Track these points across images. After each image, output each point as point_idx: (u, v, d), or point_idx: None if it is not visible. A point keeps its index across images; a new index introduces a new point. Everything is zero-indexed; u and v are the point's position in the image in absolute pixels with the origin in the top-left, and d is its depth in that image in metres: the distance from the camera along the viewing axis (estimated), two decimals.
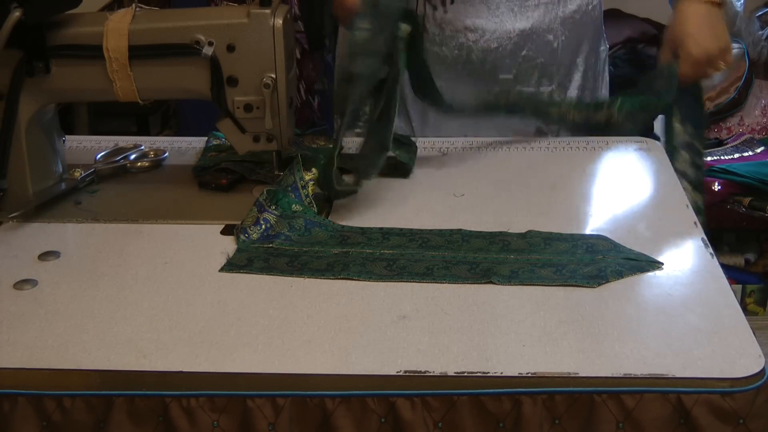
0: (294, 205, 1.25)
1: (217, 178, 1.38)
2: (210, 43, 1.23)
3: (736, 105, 3.17)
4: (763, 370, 0.92)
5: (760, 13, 3.28)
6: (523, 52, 1.49)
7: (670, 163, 1.45)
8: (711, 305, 1.04)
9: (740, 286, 2.82)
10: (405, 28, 1.27)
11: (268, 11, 1.23)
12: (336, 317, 1.03)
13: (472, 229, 1.22)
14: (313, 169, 1.30)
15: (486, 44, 1.46)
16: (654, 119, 1.51)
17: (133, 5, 1.28)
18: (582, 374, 0.92)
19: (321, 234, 1.21)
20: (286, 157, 1.34)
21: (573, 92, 1.57)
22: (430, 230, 1.21)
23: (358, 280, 1.10)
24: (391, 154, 1.34)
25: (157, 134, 3.23)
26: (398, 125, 1.55)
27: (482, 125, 1.51)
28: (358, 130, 1.31)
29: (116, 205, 1.32)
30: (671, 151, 1.43)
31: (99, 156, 1.46)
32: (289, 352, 0.96)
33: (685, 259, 1.15)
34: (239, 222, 1.22)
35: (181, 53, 1.24)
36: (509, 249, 1.16)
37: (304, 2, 2.53)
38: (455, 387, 0.92)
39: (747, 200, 2.68)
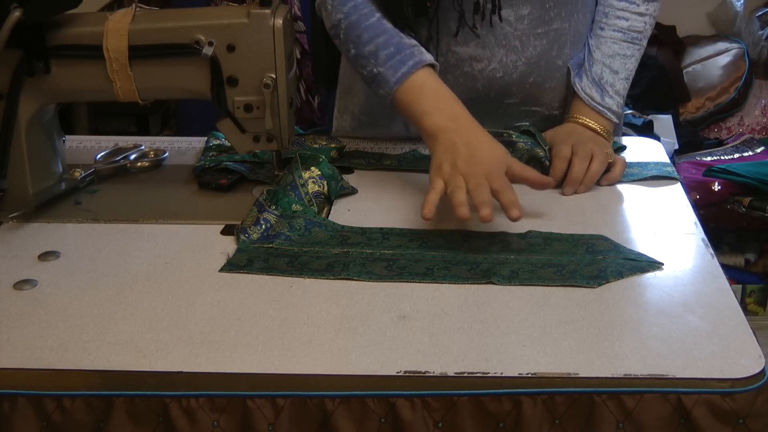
0: (294, 205, 1.25)
1: (217, 178, 1.38)
2: (210, 43, 1.23)
3: (736, 105, 3.17)
4: (763, 371, 0.92)
5: (760, 13, 3.29)
6: (531, 79, 1.44)
7: (670, 163, 1.45)
8: (711, 305, 1.04)
9: (740, 286, 2.82)
10: None
11: (268, 11, 1.23)
12: (336, 317, 1.03)
13: (472, 229, 1.21)
14: (313, 168, 1.30)
15: (491, 73, 1.42)
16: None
17: (133, 5, 1.28)
18: (582, 374, 0.92)
19: (321, 234, 1.21)
20: (286, 157, 1.34)
21: None
22: (430, 230, 1.21)
23: (358, 280, 1.10)
24: None
25: (157, 134, 3.23)
26: (396, 128, 1.55)
27: (483, 127, 1.50)
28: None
29: (116, 205, 1.32)
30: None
31: (99, 156, 1.46)
32: (289, 352, 0.96)
33: (685, 259, 1.15)
34: (239, 222, 1.22)
35: (181, 53, 1.24)
36: (509, 249, 1.16)
37: (318, 37, 2.43)
38: (455, 387, 0.92)
39: (747, 200, 2.68)
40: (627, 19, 1.44)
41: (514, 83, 1.44)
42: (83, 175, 1.38)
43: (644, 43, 1.46)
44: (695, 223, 1.24)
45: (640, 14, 1.44)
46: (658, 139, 2.01)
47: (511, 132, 1.38)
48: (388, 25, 1.36)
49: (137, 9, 1.27)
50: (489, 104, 1.47)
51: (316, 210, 1.27)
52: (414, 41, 1.36)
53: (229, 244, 1.20)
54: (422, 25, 1.40)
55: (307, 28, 2.80)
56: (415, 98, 1.31)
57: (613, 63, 1.44)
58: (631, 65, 1.45)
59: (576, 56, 1.46)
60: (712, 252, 1.16)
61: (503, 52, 1.41)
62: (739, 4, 3.27)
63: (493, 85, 1.44)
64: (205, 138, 1.54)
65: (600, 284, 1.07)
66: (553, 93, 1.49)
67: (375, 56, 1.34)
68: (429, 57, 1.34)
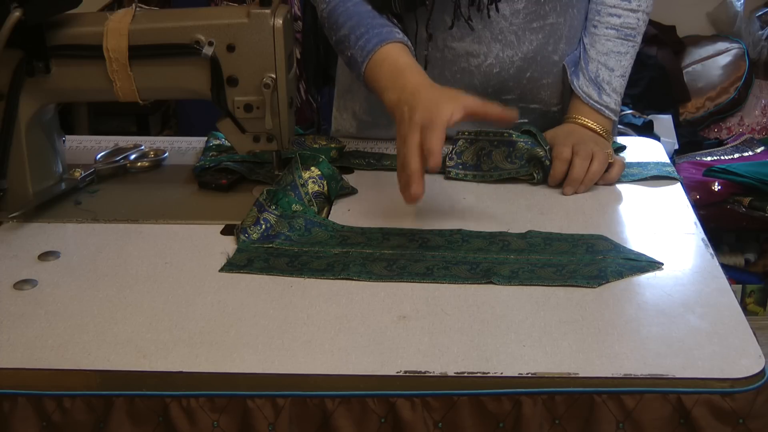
0: (294, 205, 1.25)
1: (217, 178, 1.38)
2: (210, 43, 1.23)
3: (736, 105, 3.17)
4: (763, 371, 0.92)
5: (760, 13, 3.29)
6: (528, 75, 1.45)
7: (670, 163, 1.45)
8: (711, 305, 1.04)
9: (740, 286, 2.82)
10: None
11: (268, 11, 1.23)
12: (336, 317, 1.03)
13: (472, 229, 1.22)
14: (313, 168, 1.30)
15: (488, 69, 1.43)
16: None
17: (133, 5, 1.28)
18: (582, 374, 0.92)
19: (321, 234, 1.21)
20: (286, 157, 1.34)
21: None
22: (430, 230, 1.21)
23: (358, 280, 1.10)
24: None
25: (157, 134, 3.23)
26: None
27: (483, 125, 1.50)
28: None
29: (116, 205, 1.32)
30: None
31: (99, 156, 1.46)
32: (289, 352, 0.96)
33: (685, 259, 1.15)
34: (239, 222, 1.22)
35: (181, 53, 1.24)
36: (509, 249, 1.16)
37: (308, 36, 2.40)
38: (455, 387, 0.92)
39: (747, 200, 2.68)
40: (619, 16, 1.44)
41: (511, 79, 1.45)
42: (83, 175, 1.38)
43: (638, 39, 1.46)
44: (695, 223, 1.24)
45: (633, 10, 1.44)
46: (658, 139, 2.02)
47: (511, 132, 1.39)
48: (364, 8, 1.37)
49: (137, 9, 1.27)
50: (487, 101, 1.47)
51: (316, 210, 1.27)
52: (386, 21, 1.36)
53: (229, 244, 1.20)
54: (417, 20, 1.40)
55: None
56: (377, 76, 1.32)
57: (608, 61, 1.44)
58: (627, 62, 1.45)
59: (572, 54, 1.47)
60: (712, 252, 1.16)
61: (499, 47, 1.41)
62: (739, 4, 3.27)
63: (490, 80, 1.44)
64: (205, 138, 1.54)
65: (600, 284, 1.07)
66: (551, 89, 1.49)
67: (348, 39, 1.36)
68: (397, 35, 1.34)
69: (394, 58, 1.31)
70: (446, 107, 1.18)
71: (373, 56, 1.32)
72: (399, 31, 1.36)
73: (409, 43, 1.36)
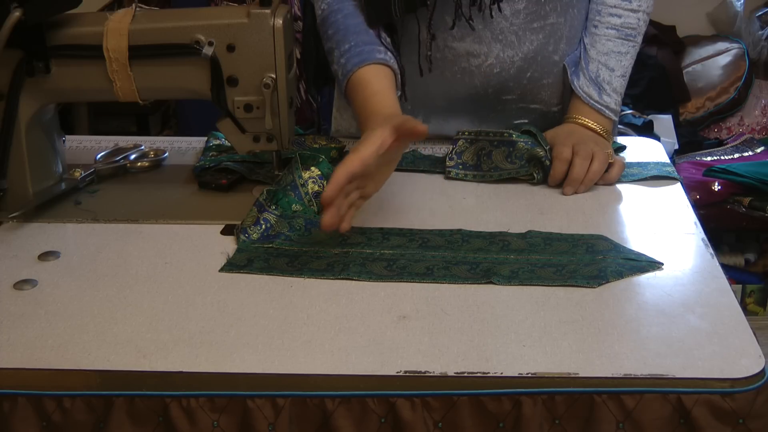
0: (294, 205, 1.25)
1: (217, 178, 1.38)
2: (210, 43, 1.23)
3: (736, 105, 3.17)
4: (763, 371, 0.92)
5: (760, 13, 3.29)
6: (528, 75, 1.45)
7: (670, 163, 1.45)
8: (711, 305, 1.04)
9: (740, 286, 2.82)
10: None
11: (268, 11, 1.23)
12: (336, 317, 1.03)
13: (472, 229, 1.22)
14: (313, 168, 1.30)
15: (488, 69, 1.43)
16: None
17: (133, 5, 1.28)
18: (582, 374, 0.92)
19: (321, 234, 1.21)
20: (286, 157, 1.34)
21: None
22: (430, 230, 1.21)
23: (358, 280, 1.10)
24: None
25: (157, 134, 3.23)
26: None
27: (483, 125, 1.50)
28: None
29: (116, 205, 1.32)
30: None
31: (99, 156, 1.46)
32: (289, 352, 0.96)
33: (685, 259, 1.15)
34: (239, 222, 1.22)
35: (181, 53, 1.24)
36: (509, 249, 1.16)
37: (308, 36, 2.42)
38: (455, 387, 0.92)
39: (747, 200, 2.68)
40: (620, 16, 1.44)
41: (512, 79, 1.45)
42: (83, 175, 1.38)
43: (639, 39, 1.46)
44: (695, 223, 1.24)
45: (633, 10, 1.44)
46: (658, 139, 2.02)
47: (511, 132, 1.39)
48: (353, 21, 1.37)
49: (137, 9, 1.27)
50: (488, 101, 1.47)
51: (316, 210, 1.27)
52: (372, 37, 1.36)
53: (229, 244, 1.20)
54: (419, 21, 1.40)
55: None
56: (353, 99, 1.35)
57: (608, 61, 1.44)
58: (627, 62, 1.45)
59: (572, 54, 1.47)
60: (712, 252, 1.16)
61: (500, 48, 1.41)
62: (739, 4, 3.27)
63: (490, 81, 1.44)
64: (205, 138, 1.54)
65: (600, 284, 1.07)
66: (551, 89, 1.49)
67: (333, 53, 1.37)
68: (378, 54, 1.34)
69: (366, 83, 1.33)
70: (377, 135, 1.17)
71: (350, 78, 1.34)
72: (382, 49, 1.36)
73: (392, 60, 1.36)
